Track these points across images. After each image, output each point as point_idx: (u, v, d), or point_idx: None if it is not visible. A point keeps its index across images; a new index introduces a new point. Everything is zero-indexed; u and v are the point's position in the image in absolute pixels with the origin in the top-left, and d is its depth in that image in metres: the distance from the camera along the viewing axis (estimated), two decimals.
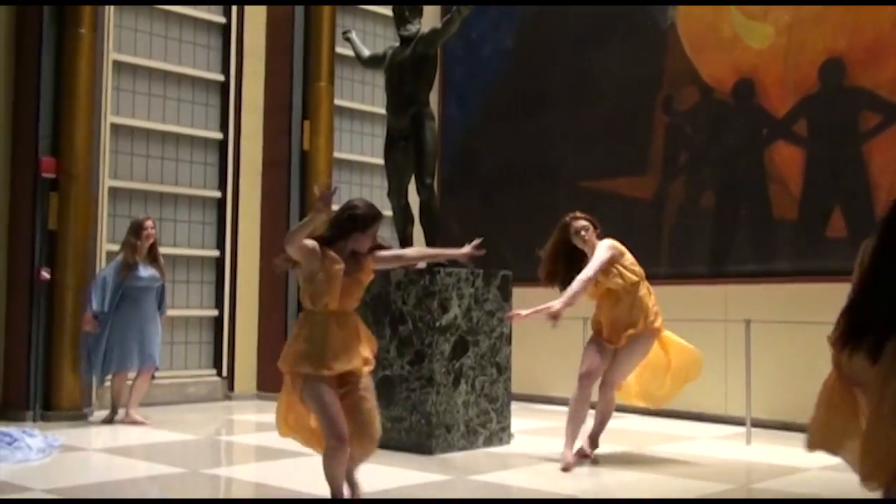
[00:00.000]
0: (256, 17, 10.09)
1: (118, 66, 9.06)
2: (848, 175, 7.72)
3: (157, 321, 7.83)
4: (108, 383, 7.97)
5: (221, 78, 9.89)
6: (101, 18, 8.45)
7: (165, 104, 9.52)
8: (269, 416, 8.43)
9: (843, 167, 7.76)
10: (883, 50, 7.58)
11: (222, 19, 9.92)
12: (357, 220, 4.40)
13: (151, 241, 7.73)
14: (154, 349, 7.74)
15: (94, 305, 7.52)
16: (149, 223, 7.75)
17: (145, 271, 7.66)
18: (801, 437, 7.22)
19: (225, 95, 9.91)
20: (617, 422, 8.18)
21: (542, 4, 10.21)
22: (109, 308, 7.55)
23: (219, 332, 9.66)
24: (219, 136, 9.84)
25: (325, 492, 5.05)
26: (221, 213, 9.79)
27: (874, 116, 7.61)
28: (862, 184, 7.60)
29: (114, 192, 8.97)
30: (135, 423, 7.54)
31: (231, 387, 9.62)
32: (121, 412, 7.71)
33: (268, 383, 9.67)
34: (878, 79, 7.60)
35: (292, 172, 9.83)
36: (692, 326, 8.10)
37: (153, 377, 8.03)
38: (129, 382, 7.81)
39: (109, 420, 7.66)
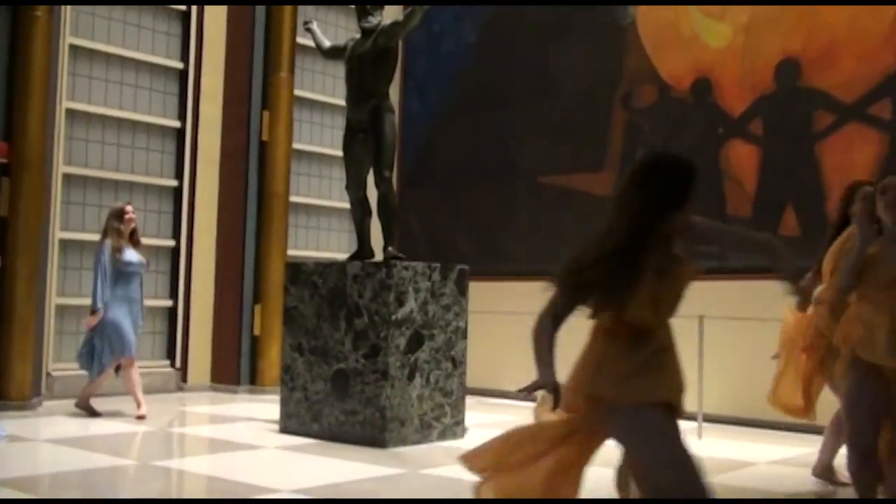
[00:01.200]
0: (217, 6, 9.97)
1: (75, 50, 8.93)
2: (801, 174, 7.83)
3: (141, 310, 7.70)
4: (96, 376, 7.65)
5: (180, 66, 9.79)
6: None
7: (122, 91, 9.40)
8: (222, 408, 8.47)
9: (796, 166, 7.86)
10: (837, 51, 7.69)
11: (182, 6, 9.80)
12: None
13: (133, 225, 7.61)
14: (137, 338, 7.64)
15: (103, 299, 7.37)
16: (129, 208, 7.64)
17: (132, 256, 7.54)
18: (751, 432, 7.36)
19: (183, 83, 9.81)
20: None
21: (501, 4, 10.21)
22: (104, 295, 7.41)
23: (173, 323, 9.57)
24: (177, 124, 9.74)
25: (278, 484, 5.04)
26: (178, 203, 9.69)
27: (828, 117, 7.72)
28: (814, 183, 7.71)
29: (68, 178, 8.84)
30: (141, 417, 7.38)
31: (184, 378, 9.54)
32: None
33: (221, 375, 9.62)
34: (832, 80, 7.71)
35: (250, 163, 9.76)
36: None
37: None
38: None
39: (140, 416, 7.41)
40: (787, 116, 8.00)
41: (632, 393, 2.90)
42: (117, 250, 7.42)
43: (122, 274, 7.47)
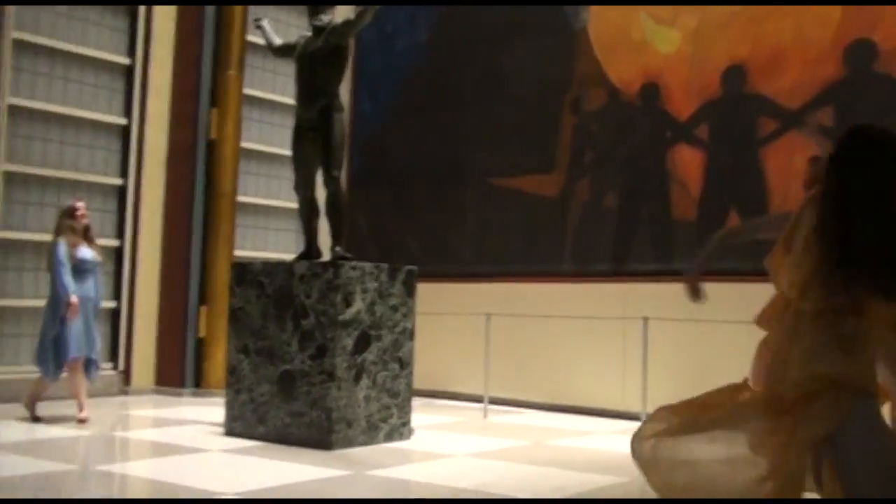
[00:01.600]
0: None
1: (18, 44, 8.73)
2: (745, 178, 7.94)
3: (96, 309, 7.51)
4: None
5: (127, 61, 9.63)
6: None
7: (67, 87, 9.22)
8: (166, 411, 8.35)
9: (740, 171, 7.98)
10: (783, 59, 7.82)
11: None
12: None
13: (85, 222, 7.42)
14: (95, 339, 7.42)
15: (70, 290, 7.14)
16: (80, 205, 7.46)
17: (86, 253, 7.34)
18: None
19: (130, 80, 9.65)
20: (516, 417, 8.28)
21: (453, 4, 10.22)
22: (61, 293, 7.17)
23: (116, 325, 9.40)
24: (122, 121, 9.59)
25: (223, 487, 4.98)
26: (122, 202, 9.54)
27: (771, 123, 7.85)
28: (758, 187, 7.83)
29: (10, 176, 8.65)
30: (83, 421, 7.20)
31: (128, 381, 9.38)
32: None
33: (166, 377, 9.48)
34: (776, 87, 7.84)
35: (198, 161, 9.63)
36: (593, 324, 8.26)
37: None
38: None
39: (82, 420, 7.24)
40: (732, 122, 8.12)
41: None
42: (72, 247, 7.25)
43: (76, 272, 7.26)
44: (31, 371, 8.43)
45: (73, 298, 7.13)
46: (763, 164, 7.83)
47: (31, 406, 7.42)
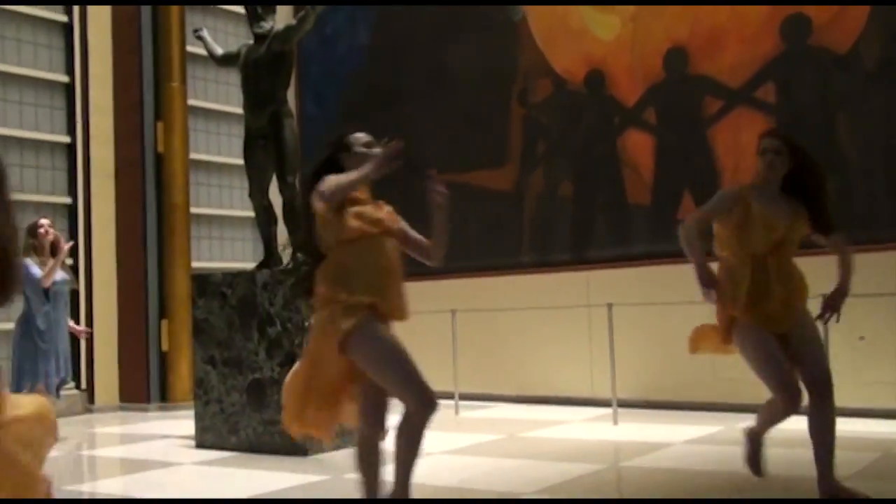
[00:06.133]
0: (100, 16, 9.71)
1: None
2: (695, 159, 8.07)
3: (66, 330, 7.29)
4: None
5: (66, 79, 9.49)
6: None
7: (6, 107, 9.06)
8: (134, 427, 8.25)
9: (690, 152, 8.10)
10: (721, 38, 7.95)
11: (64, 18, 9.51)
12: None
13: (50, 238, 7.16)
14: (66, 362, 7.20)
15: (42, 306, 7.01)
16: (45, 221, 7.23)
17: (59, 274, 7.11)
18: (666, 414, 7.56)
19: (70, 97, 9.51)
20: (487, 411, 8.33)
21: (394, 4, 10.22)
22: (31, 315, 7.00)
23: (76, 343, 9.26)
24: (66, 139, 9.45)
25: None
26: (73, 220, 9.40)
27: (716, 102, 7.98)
28: (709, 166, 7.96)
29: None
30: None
31: (91, 399, 9.26)
32: None
33: (130, 393, 9.38)
34: (718, 66, 7.97)
35: (146, 175, 9.53)
36: (557, 313, 8.33)
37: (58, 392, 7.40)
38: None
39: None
40: (678, 104, 8.24)
41: None
42: (42, 265, 7.05)
43: (48, 294, 7.06)
44: None
45: (46, 275, 6.96)
46: (712, 143, 7.96)
47: None
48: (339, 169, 3.78)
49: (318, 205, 3.64)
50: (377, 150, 3.79)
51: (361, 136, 3.96)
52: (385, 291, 3.72)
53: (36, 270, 7.02)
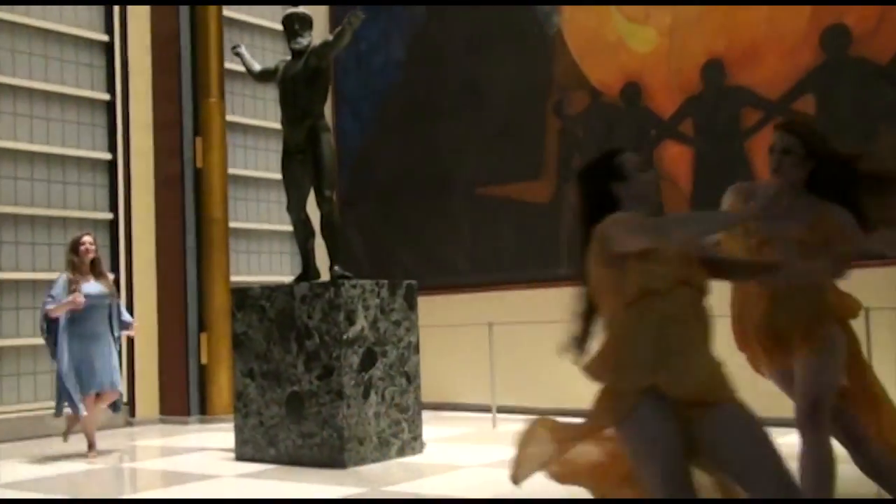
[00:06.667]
0: (140, 35, 9.86)
1: None
2: (734, 171, 8.00)
3: (110, 341, 7.23)
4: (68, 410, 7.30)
5: (107, 97, 9.64)
6: None
7: (49, 126, 9.22)
8: (174, 440, 8.32)
9: (728, 163, 8.05)
10: (759, 49, 7.91)
11: (105, 37, 9.66)
12: None
13: (91, 256, 7.21)
14: (108, 373, 7.14)
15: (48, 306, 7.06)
16: (87, 238, 7.26)
17: (91, 288, 7.14)
18: None
19: (112, 114, 9.66)
20: (514, 425, 8.30)
21: (431, 4, 10.25)
22: (58, 328, 7.06)
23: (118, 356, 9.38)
24: (107, 156, 9.59)
25: None
26: (114, 235, 9.53)
27: (755, 114, 7.93)
28: (747, 179, 7.87)
29: None
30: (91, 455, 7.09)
31: (132, 412, 9.36)
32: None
33: (170, 406, 9.47)
34: (756, 77, 7.92)
35: (186, 190, 9.64)
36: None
37: (115, 404, 7.42)
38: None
39: (91, 454, 7.18)
40: (715, 116, 8.20)
41: None
42: (74, 283, 7.15)
43: (79, 307, 7.11)
44: (31, 409, 8.45)
45: (51, 309, 7.03)
46: (750, 155, 7.90)
47: (90, 440, 7.32)
48: (612, 201, 2.99)
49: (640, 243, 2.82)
50: (651, 176, 3.12)
51: (633, 158, 3.09)
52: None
53: (53, 296, 7.07)
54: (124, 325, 7.49)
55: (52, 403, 7.31)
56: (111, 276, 7.52)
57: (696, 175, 8.21)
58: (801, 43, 7.69)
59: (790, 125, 3.68)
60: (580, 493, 3.19)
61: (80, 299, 6.98)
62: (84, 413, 7.07)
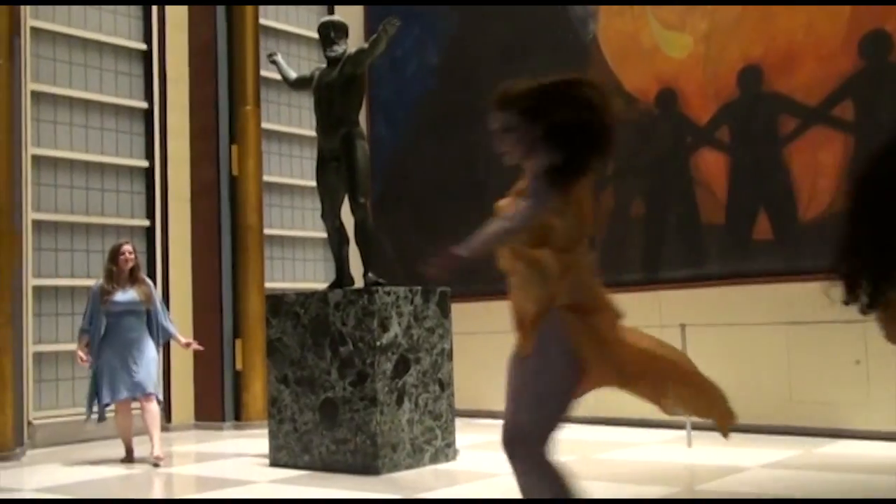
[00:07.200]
0: (178, 44, 9.97)
1: (37, 96, 8.87)
2: (771, 178, 7.93)
3: (146, 347, 7.28)
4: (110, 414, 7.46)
5: (145, 105, 9.75)
6: (17, 48, 8.27)
7: (88, 133, 9.34)
8: (209, 446, 8.38)
9: (765, 171, 7.97)
10: (797, 56, 7.82)
11: (143, 46, 9.78)
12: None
13: (130, 265, 7.30)
14: (143, 377, 7.15)
15: (83, 324, 7.24)
16: (126, 248, 7.36)
17: (124, 295, 7.23)
18: (740, 437, 7.41)
19: (149, 123, 9.77)
20: (559, 432, 8.26)
21: (466, 4, 10.25)
22: (94, 337, 7.20)
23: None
24: (144, 163, 9.70)
25: None
26: (151, 242, 9.64)
27: (792, 120, 7.84)
28: (785, 186, 7.82)
29: (38, 225, 8.76)
30: (157, 462, 7.09)
31: (168, 417, 9.43)
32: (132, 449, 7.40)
33: (205, 412, 9.54)
34: (793, 84, 7.84)
35: (222, 198, 9.73)
36: None
37: (160, 405, 7.46)
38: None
39: (128, 460, 7.28)
40: (752, 122, 8.12)
41: None
42: (106, 291, 7.24)
43: (111, 314, 7.23)
44: (69, 415, 8.54)
45: (81, 345, 7.24)
46: (788, 162, 7.82)
47: (128, 450, 7.42)
48: None
49: None
50: None
51: None
52: None
53: (93, 292, 7.26)
54: (166, 334, 7.56)
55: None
56: (150, 284, 7.53)
57: (732, 183, 8.13)
58: (839, 49, 7.60)
59: (500, 99, 3.35)
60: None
61: (81, 362, 7.26)
62: (102, 420, 7.26)
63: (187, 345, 7.72)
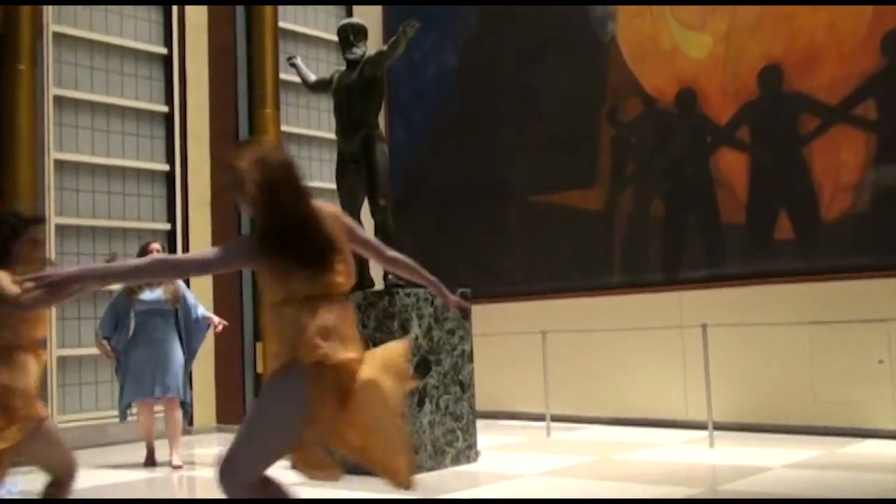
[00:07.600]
0: (197, 48, 10.03)
1: (59, 101, 8.94)
2: (792, 178, 7.89)
3: (172, 349, 7.22)
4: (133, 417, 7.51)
5: (165, 109, 9.81)
6: (40, 54, 8.34)
7: (109, 138, 9.41)
8: None
9: (786, 170, 7.93)
10: (817, 55, 7.78)
11: (163, 50, 9.84)
12: None
13: None
14: (169, 377, 7.11)
15: (103, 331, 7.22)
16: (154, 245, 7.36)
17: (150, 294, 7.21)
18: (763, 437, 7.37)
19: (170, 126, 9.83)
20: (579, 433, 8.25)
21: (486, 4, 10.25)
22: (121, 335, 7.20)
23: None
24: (165, 167, 9.75)
25: None
26: (171, 245, 9.68)
27: (813, 120, 7.80)
28: (806, 185, 7.77)
29: (60, 229, 8.82)
30: (175, 467, 7.10)
31: (190, 421, 9.47)
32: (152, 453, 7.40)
33: (227, 415, 9.57)
34: (814, 83, 7.79)
35: None
36: (649, 334, 8.22)
37: (184, 409, 7.47)
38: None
39: (150, 463, 7.30)
40: (773, 122, 8.08)
41: None
42: (131, 290, 7.21)
43: (138, 313, 7.20)
44: (93, 418, 8.60)
45: (102, 346, 7.24)
46: (808, 161, 7.77)
47: (150, 450, 7.44)
48: None
49: None
50: None
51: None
52: None
53: (116, 296, 7.25)
54: (204, 324, 7.49)
55: (114, 413, 7.43)
56: (178, 283, 7.37)
57: (752, 183, 8.10)
58: (861, 48, 7.56)
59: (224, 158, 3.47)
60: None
61: (108, 357, 7.28)
62: (123, 419, 7.30)
63: (219, 325, 7.61)
